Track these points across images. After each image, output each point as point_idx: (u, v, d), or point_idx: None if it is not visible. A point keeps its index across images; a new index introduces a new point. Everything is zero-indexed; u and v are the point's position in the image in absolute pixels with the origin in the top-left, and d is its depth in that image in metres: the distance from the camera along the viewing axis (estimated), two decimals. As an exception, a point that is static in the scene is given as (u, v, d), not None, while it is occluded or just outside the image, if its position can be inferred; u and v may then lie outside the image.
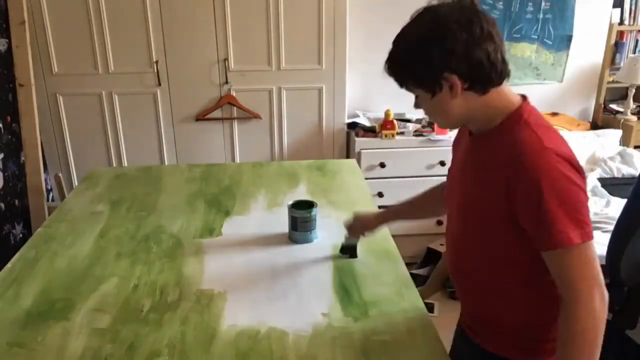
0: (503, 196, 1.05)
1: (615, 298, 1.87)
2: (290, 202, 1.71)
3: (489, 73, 1.05)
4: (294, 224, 1.67)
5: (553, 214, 0.99)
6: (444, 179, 1.37)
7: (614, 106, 3.76)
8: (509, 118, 1.09)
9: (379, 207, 1.99)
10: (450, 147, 1.33)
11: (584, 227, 1.02)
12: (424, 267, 3.13)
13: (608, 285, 1.67)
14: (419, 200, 1.49)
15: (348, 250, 1.61)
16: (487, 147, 1.12)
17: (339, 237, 1.68)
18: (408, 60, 1.06)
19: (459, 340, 1.35)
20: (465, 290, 1.26)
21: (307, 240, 1.68)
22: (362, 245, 1.62)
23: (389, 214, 1.54)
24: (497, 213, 1.08)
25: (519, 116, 1.08)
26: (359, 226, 1.56)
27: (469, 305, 1.28)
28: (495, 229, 1.11)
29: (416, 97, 1.12)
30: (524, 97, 1.13)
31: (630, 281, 1.83)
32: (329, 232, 1.73)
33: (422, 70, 1.05)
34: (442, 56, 1.02)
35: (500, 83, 1.08)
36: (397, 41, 1.09)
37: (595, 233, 1.86)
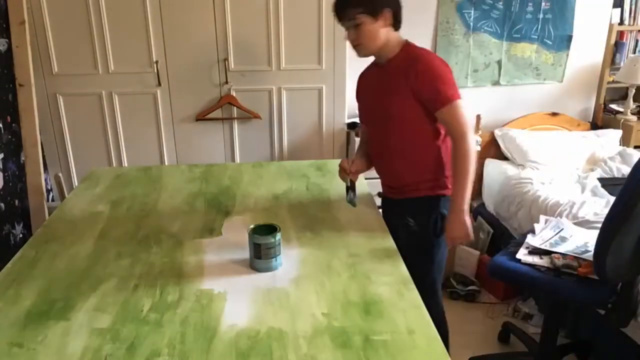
0: (409, 88, 1.73)
1: (605, 295, 1.88)
2: (251, 227, 1.55)
3: (400, 18, 1.78)
4: (257, 251, 1.51)
5: (439, 85, 1.70)
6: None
7: (614, 106, 3.77)
8: (405, 46, 1.80)
9: (379, 207, 2.00)
10: None
11: (456, 89, 1.72)
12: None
13: (597, 282, 1.74)
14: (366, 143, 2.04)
15: (351, 195, 1.92)
16: (392, 67, 1.78)
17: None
18: None
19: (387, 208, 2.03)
20: (388, 172, 1.97)
21: (270, 269, 1.52)
22: (362, 244, 1.64)
23: (365, 156, 2.02)
24: (407, 101, 1.75)
25: (409, 44, 1.81)
26: (348, 168, 1.93)
27: (392, 180, 1.97)
28: (410, 114, 1.78)
29: (355, 27, 1.73)
30: None
31: (615, 278, 1.84)
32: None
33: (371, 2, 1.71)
34: None
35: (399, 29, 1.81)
36: None
37: (595, 232, 1.87)
